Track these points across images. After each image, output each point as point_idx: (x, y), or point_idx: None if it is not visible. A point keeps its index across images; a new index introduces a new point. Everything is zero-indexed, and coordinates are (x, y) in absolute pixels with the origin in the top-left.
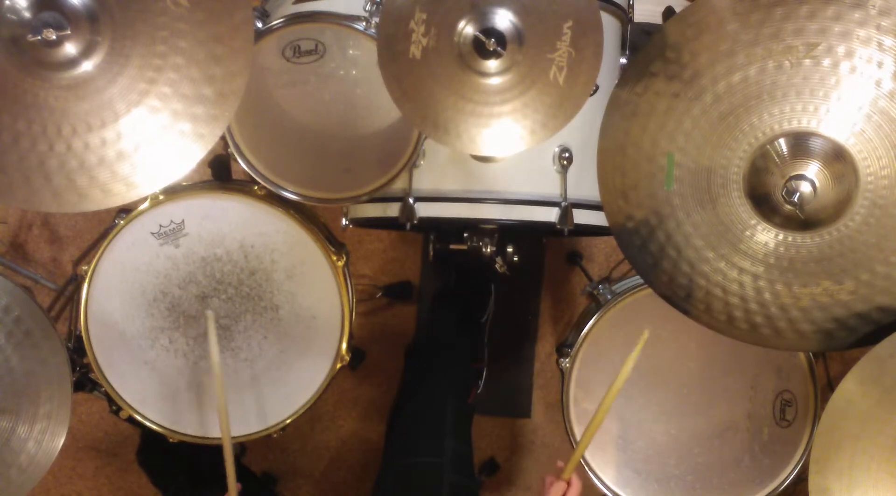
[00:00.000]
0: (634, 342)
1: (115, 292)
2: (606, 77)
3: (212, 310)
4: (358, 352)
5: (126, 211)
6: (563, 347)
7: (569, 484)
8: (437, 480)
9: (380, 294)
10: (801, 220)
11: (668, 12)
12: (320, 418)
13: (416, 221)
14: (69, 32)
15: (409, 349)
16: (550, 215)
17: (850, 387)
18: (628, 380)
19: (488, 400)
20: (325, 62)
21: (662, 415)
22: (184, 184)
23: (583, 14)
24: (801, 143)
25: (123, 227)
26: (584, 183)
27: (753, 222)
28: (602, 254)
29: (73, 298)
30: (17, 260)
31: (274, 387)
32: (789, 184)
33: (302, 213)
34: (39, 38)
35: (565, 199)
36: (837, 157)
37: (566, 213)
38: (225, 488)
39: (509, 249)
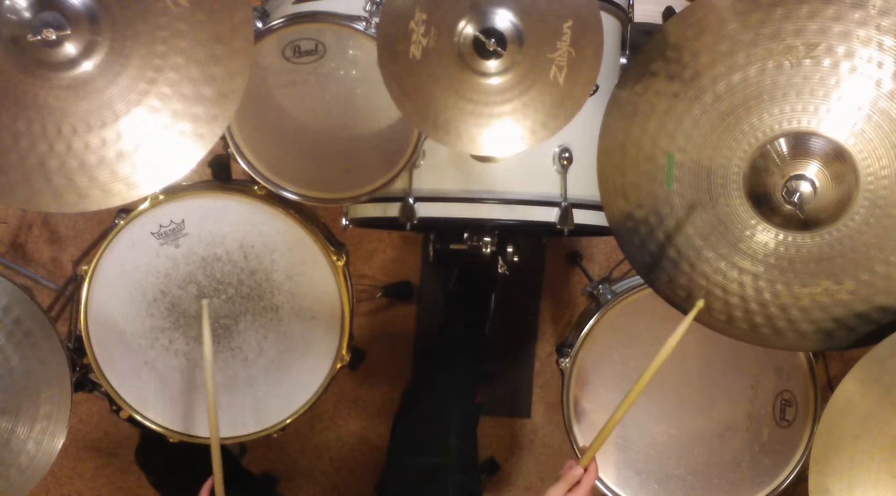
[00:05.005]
0: (634, 342)
1: (115, 292)
2: (606, 77)
3: (207, 299)
4: (358, 352)
5: (126, 211)
6: (563, 347)
7: (586, 470)
8: (440, 481)
9: (380, 294)
10: (801, 220)
11: (668, 12)
12: (320, 418)
13: (416, 221)
14: (69, 32)
15: (418, 350)
16: (550, 215)
17: (850, 387)
18: (628, 379)
19: (488, 400)
20: (325, 62)
21: (662, 415)
22: (184, 184)
23: (583, 14)
24: (801, 143)
25: (123, 227)
26: (584, 183)
27: (753, 222)
28: (602, 254)
29: (73, 298)
30: (17, 260)
31: (274, 387)
32: (789, 184)
33: (302, 213)
34: (39, 38)
35: (565, 199)
36: (837, 157)
37: (566, 213)
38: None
39: (509, 249)
